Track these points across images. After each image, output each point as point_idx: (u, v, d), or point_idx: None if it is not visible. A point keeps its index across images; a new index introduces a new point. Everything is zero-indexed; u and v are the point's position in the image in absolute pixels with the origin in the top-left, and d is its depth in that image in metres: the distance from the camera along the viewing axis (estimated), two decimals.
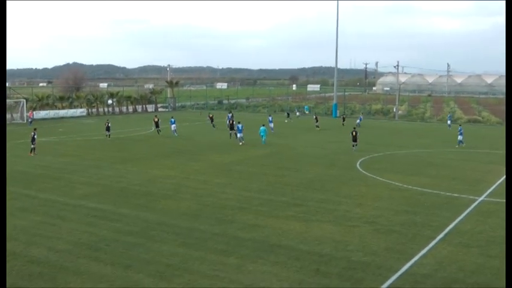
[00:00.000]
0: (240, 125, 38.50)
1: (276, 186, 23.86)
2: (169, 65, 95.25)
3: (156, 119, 45.49)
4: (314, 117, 53.04)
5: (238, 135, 38.36)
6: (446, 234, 16.71)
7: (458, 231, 17.11)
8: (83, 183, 24.26)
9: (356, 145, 35.34)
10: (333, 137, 44.22)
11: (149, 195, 21.93)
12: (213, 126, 49.59)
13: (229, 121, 44.43)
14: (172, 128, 44.14)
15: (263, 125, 39.88)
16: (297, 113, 66.40)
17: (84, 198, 21.14)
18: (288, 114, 63.16)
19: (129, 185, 23.93)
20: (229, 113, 52.94)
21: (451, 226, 17.63)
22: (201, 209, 19.70)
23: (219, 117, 56.72)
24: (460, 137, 38.26)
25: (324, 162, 30.73)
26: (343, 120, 56.04)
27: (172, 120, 44.99)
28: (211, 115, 51.95)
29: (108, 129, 42.01)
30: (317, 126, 50.40)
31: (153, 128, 45.39)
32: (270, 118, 48.30)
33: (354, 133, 35.76)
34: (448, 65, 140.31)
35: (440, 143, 40.95)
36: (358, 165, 29.55)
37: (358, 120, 54.78)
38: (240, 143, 37.81)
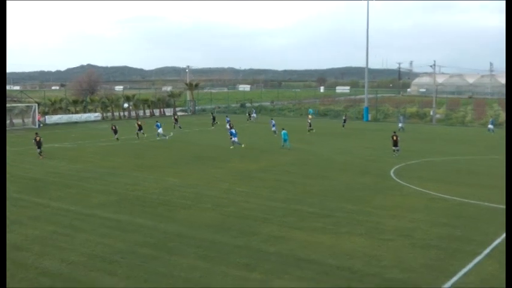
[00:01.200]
0: (233, 130, 40.87)
1: (302, 195, 23.72)
2: (188, 66, 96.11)
3: (138, 122, 47.02)
4: (308, 122, 53.55)
5: (235, 139, 39.90)
6: (490, 250, 16.32)
7: (503, 247, 16.66)
8: (97, 191, 24.55)
9: (398, 150, 35.85)
10: (363, 143, 43.85)
11: (167, 204, 22.05)
12: (143, 133, 46.06)
13: (228, 125, 47.05)
14: (160, 131, 45.46)
15: (283, 129, 40.41)
16: (253, 115, 68.44)
17: (99, 207, 21.37)
18: (249, 114, 68.20)
19: (146, 193, 24.11)
20: (226, 116, 57.06)
21: (497, 241, 17.19)
22: (222, 219, 19.69)
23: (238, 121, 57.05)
24: None
25: (355, 170, 30.46)
26: (344, 122, 58.16)
27: (158, 124, 46.32)
28: (139, 122, 47.48)
29: (115, 132, 44.12)
30: (311, 130, 51.48)
31: (137, 132, 45.79)
32: (273, 122, 49.74)
33: (394, 137, 36.17)
34: (491, 64, 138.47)
35: (483, 150, 40.18)
36: (392, 173, 29.20)
37: (400, 124, 54.69)
38: (242, 145, 39.34)
